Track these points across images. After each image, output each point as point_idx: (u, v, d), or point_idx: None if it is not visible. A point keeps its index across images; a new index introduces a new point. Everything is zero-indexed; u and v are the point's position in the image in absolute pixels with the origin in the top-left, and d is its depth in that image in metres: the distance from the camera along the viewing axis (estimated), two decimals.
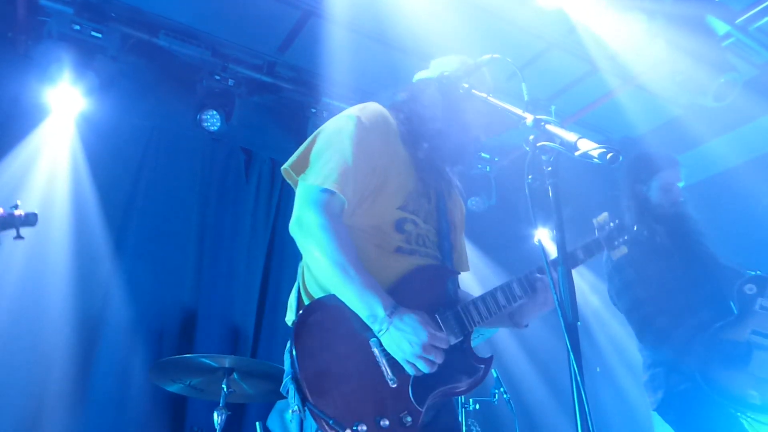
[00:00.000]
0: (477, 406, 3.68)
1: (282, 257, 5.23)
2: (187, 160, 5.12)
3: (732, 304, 2.95)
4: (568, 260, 1.52)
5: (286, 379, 1.79)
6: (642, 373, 3.08)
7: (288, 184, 2.02)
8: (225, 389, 3.44)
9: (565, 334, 1.43)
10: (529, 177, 1.62)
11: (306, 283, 1.88)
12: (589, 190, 5.66)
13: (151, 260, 4.66)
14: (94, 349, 4.27)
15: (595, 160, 1.49)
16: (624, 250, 2.21)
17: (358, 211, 1.90)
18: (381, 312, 1.71)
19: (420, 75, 2.26)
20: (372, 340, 1.74)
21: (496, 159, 6.26)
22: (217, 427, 3.47)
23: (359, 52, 4.77)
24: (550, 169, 1.61)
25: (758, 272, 2.94)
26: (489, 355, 1.89)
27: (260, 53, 5.13)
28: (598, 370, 5.82)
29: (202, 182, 5.12)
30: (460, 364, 1.82)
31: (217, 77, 4.92)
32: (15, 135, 4.36)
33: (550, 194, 1.61)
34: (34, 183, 4.37)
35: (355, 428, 1.62)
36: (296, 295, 1.90)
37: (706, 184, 5.23)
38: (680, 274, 2.99)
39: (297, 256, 1.92)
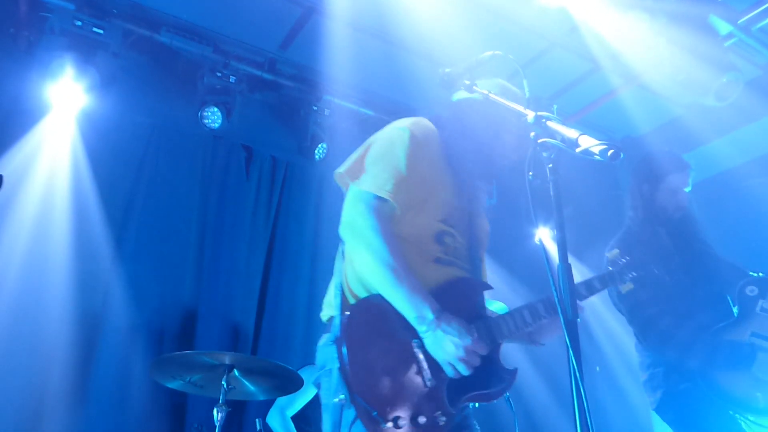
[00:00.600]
0: (476, 405, 3.66)
1: (282, 254, 5.23)
2: (188, 157, 5.12)
3: (732, 305, 2.94)
4: (567, 258, 1.51)
5: (323, 372, 1.91)
6: (640, 372, 3.07)
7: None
8: (225, 386, 3.44)
9: (565, 331, 1.43)
10: (530, 174, 1.62)
11: (349, 282, 1.96)
12: (590, 189, 5.66)
13: (151, 258, 4.66)
14: (94, 347, 4.27)
15: (597, 156, 1.49)
16: (630, 285, 2.32)
17: (402, 220, 1.99)
18: (429, 315, 1.81)
19: (460, 95, 2.29)
20: (414, 341, 1.84)
21: None
22: (217, 424, 3.46)
23: (361, 50, 4.76)
24: (551, 166, 1.60)
25: (760, 274, 2.93)
26: (514, 368, 2.00)
27: (262, 50, 5.13)
28: (597, 369, 5.82)
29: (203, 179, 5.12)
30: (489, 373, 1.92)
31: (219, 74, 4.92)
32: (16, 131, 4.35)
33: (551, 192, 1.61)
34: (35, 180, 4.37)
35: (395, 422, 1.72)
36: (339, 293, 1.96)
37: (708, 184, 5.22)
38: (681, 275, 2.98)
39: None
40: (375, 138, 2.09)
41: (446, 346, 1.80)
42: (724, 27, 4.55)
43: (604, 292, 3.23)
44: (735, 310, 2.92)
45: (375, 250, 1.85)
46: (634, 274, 2.30)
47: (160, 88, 5.01)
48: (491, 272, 5.93)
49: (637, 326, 2.95)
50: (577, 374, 1.40)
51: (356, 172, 2.00)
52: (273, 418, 4.19)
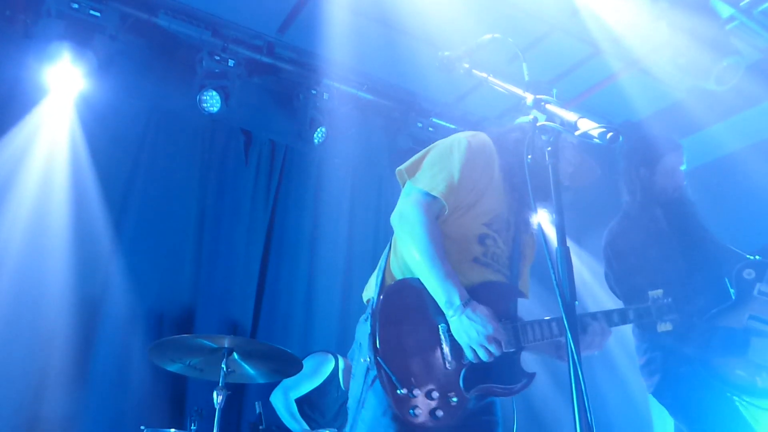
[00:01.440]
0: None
1: (281, 239, 5.23)
2: (187, 141, 5.11)
3: (730, 289, 2.95)
4: (565, 241, 1.51)
5: (356, 345, 2.11)
6: (637, 356, 3.08)
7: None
8: (224, 369, 3.46)
9: (563, 314, 1.43)
10: (529, 157, 1.62)
11: (391, 268, 2.16)
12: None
13: (150, 242, 4.66)
14: (94, 330, 4.29)
15: (595, 139, 1.49)
16: (669, 326, 2.35)
17: (449, 219, 2.15)
18: (457, 300, 1.96)
19: (523, 119, 2.39)
20: (441, 324, 2.01)
21: None
22: (217, 407, 3.49)
23: (360, 34, 4.73)
24: (550, 149, 1.60)
25: (757, 257, 2.93)
26: (533, 372, 2.14)
27: (260, 34, 5.09)
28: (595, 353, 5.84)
29: (202, 163, 5.11)
30: (508, 370, 2.07)
31: (217, 58, 4.88)
32: (13, 114, 4.34)
33: (550, 175, 1.61)
34: (33, 163, 4.36)
35: (410, 390, 1.89)
36: (381, 276, 2.15)
37: (709, 168, 5.22)
38: (679, 260, 2.98)
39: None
40: (437, 143, 2.27)
41: (469, 331, 1.94)
42: (725, 10, 4.52)
43: (601, 276, 3.25)
44: (732, 293, 2.92)
45: (418, 238, 2.03)
46: (675, 316, 2.38)
47: (159, 71, 4.98)
48: None
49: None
50: (576, 357, 1.41)
51: (414, 170, 2.19)
52: (276, 398, 4.22)
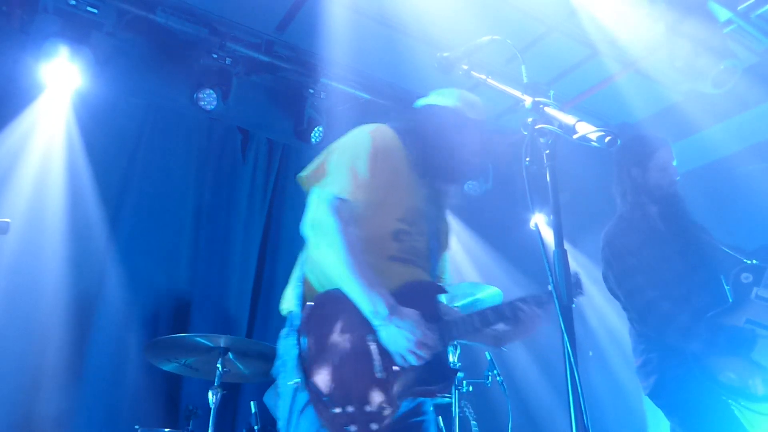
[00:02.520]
0: (470, 388, 3.71)
1: (278, 238, 5.23)
2: (184, 139, 5.09)
3: (728, 291, 2.95)
4: (563, 243, 1.52)
5: (279, 362, 2.02)
6: (634, 358, 3.09)
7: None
8: (220, 368, 3.46)
9: (560, 316, 1.44)
10: (527, 159, 1.63)
11: (309, 278, 2.08)
12: (586, 175, 5.66)
13: (146, 239, 4.65)
14: (89, 328, 4.28)
15: (594, 143, 1.49)
16: (581, 299, 2.33)
17: (362, 218, 2.09)
18: (384, 309, 1.92)
19: (423, 101, 2.41)
20: (369, 335, 1.95)
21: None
22: (212, 406, 3.49)
23: (359, 33, 4.73)
24: (548, 152, 1.60)
25: (755, 261, 2.94)
26: (457, 367, 2.16)
27: (258, 32, 5.08)
28: (590, 354, 5.87)
29: (199, 161, 5.10)
30: (435, 371, 2.04)
31: (215, 55, 4.86)
32: (9, 111, 4.32)
33: (548, 177, 1.61)
34: (29, 160, 4.34)
35: (344, 408, 1.83)
36: (300, 288, 2.08)
37: (705, 170, 5.23)
38: (676, 260, 2.99)
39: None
40: (338, 143, 2.21)
41: (399, 339, 1.92)
42: (723, 13, 4.53)
43: (598, 278, 3.26)
44: (730, 296, 2.93)
45: (335, 247, 1.96)
46: (580, 291, 2.37)
47: (156, 68, 4.97)
48: (487, 256, 5.98)
49: (635, 310, 2.96)
50: (572, 359, 1.41)
51: (319, 175, 2.13)
52: (269, 398, 4.21)
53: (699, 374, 2.75)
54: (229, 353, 3.50)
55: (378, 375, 1.92)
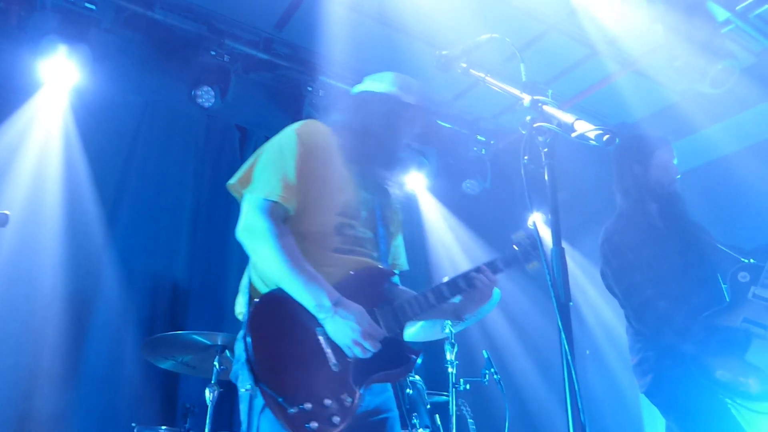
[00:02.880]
0: (467, 387, 3.71)
1: None
2: (181, 136, 5.08)
3: (725, 291, 2.96)
4: (560, 242, 1.52)
5: (237, 365, 2.01)
6: (630, 356, 3.09)
7: None
8: (217, 366, 3.46)
9: (558, 315, 1.44)
10: (525, 158, 1.62)
11: (253, 281, 2.09)
12: (584, 175, 5.66)
13: (143, 237, 4.64)
14: (86, 325, 4.26)
15: (592, 141, 1.49)
16: (536, 264, 2.37)
17: (301, 218, 2.09)
18: (327, 302, 1.92)
19: (358, 88, 2.41)
20: (318, 328, 1.95)
21: (492, 142, 6.25)
22: (209, 404, 3.48)
23: (358, 31, 4.72)
24: (546, 150, 1.60)
25: (752, 260, 2.94)
26: (419, 347, 2.13)
27: (257, 29, 5.07)
28: (588, 353, 5.87)
29: (196, 159, 5.09)
30: (395, 353, 2.05)
31: (213, 53, 4.85)
32: (7, 108, 4.30)
33: (546, 176, 1.61)
34: (26, 157, 4.33)
35: (301, 407, 1.81)
36: (247, 293, 2.10)
37: (703, 170, 5.24)
38: (675, 259, 3.00)
39: None
40: (264, 147, 2.19)
41: (344, 330, 1.92)
42: (721, 13, 4.54)
43: (596, 277, 3.26)
44: (727, 295, 2.94)
45: (271, 249, 1.96)
46: (538, 254, 2.34)
47: (154, 65, 4.96)
48: (485, 255, 5.97)
49: (632, 308, 2.96)
50: (569, 357, 1.41)
51: (247, 180, 2.12)
52: None
53: (695, 373, 2.76)
54: (227, 351, 3.49)
55: (333, 367, 1.91)
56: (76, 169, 4.46)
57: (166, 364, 3.68)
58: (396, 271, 2.36)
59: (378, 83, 2.35)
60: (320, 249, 2.08)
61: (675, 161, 3.19)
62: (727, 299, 2.91)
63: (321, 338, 1.94)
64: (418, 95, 2.33)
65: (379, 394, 2.10)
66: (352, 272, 2.08)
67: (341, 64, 5.18)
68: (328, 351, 1.93)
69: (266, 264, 2.00)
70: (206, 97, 4.87)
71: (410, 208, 6.20)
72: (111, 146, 4.71)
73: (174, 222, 4.84)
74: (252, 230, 2.03)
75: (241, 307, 2.12)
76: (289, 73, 5.33)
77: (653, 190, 3.12)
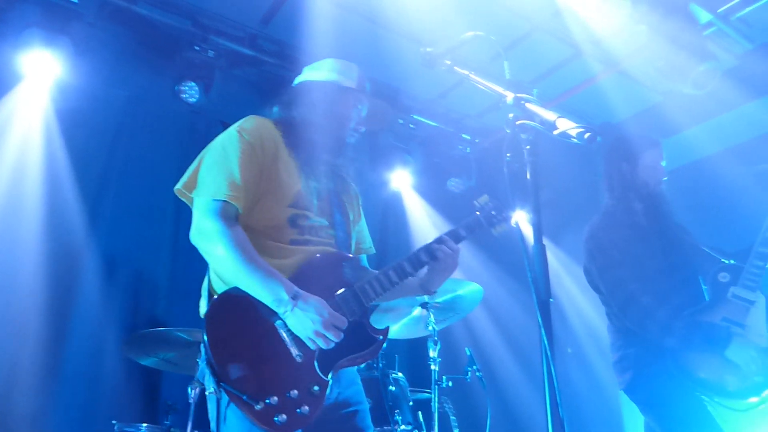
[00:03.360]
0: (450, 384, 3.73)
1: None
2: (165, 132, 5.04)
3: (705, 290, 3.00)
4: (542, 239, 1.53)
5: (202, 365, 1.98)
6: (611, 353, 3.13)
7: None
8: (200, 363, 3.43)
9: (537, 311, 1.45)
10: (508, 155, 1.63)
11: (212, 283, 2.08)
12: (568, 174, 5.70)
13: (126, 233, 4.61)
14: (66, 322, 4.22)
15: (574, 139, 1.50)
16: (505, 227, 2.43)
17: (252, 214, 2.10)
18: (285, 296, 1.93)
19: (298, 79, 2.45)
20: (278, 322, 1.95)
21: (477, 140, 6.28)
22: (192, 401, 3.47)
23: (343, 28, 4.70)
24: (529, 147, 1.61)
25: (732, 261, 2.99)
26: (385, 326, 2.13)
27: (242, 25, 5.04)
28: (569, 351, 5.92)
29: (181, 155, 5.05)
30: (360, 336, 2.06)
31: (197, 48, 4.81)
32: None
33: (528, 173, 1.62)
34: (6, 151, 4.27)
35: (267, 401, 1.81)
36: (206, 295, 2.09)
37: (684, 171, 5.29)
38: (658, 258, 3.04)
39: None
40: (207, 149, 2.19)
41: (305, 322, 1.92)
42: (704, 15, 4.58)
43: (578, 275, 3.29)
44: (707, 295, 2.98)
45: (225, 248, 1.95)
46: (507, 216, 2.44)
47: (137, 60, 4.91)
48: (468, 252, 6.00)
49: (616, 303, 2.98)
50: (549, 353, 1.42)
51: (193, 184, 2.11)
52: None
53: (674, 370, 2.79)
54: None
55: (298, 358, 1.92)
56: (58, 163, 4.41)
57: (148, 361, 3.66)
58: (361, 256, 2.39)
59: (316, 72, 2.39)
60: (275, 242, 2.08)
61: (663, 163, 3.22)
62: (707, 299, 2.95)
63: (281, 331, 1.94)
64: (357, 78, 2.38)
65: (349, 387, 2.12)
66: (306, 261, 2.09)
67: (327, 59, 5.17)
68: (290, 343, 1.94)
69: (221, 264, 1.99)
70: (191, 92, 4.83)
71: (395, 205, 6.22)
72: (93, 141, 4.66)
73: (157, 218, 4.81)
74: (203, 232, 2.02)
75: (203, 309, 2.11)
76: (275, 70, 5.30)
77: (639, 189, 3.16)
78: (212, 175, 2.08)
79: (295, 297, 1.93)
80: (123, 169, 4.72)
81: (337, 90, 2.33)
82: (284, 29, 5.01)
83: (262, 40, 5.16)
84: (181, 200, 2.21)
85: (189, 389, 3.41)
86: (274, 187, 2.13)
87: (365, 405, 2.19)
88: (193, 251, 5.05)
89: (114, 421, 3.58)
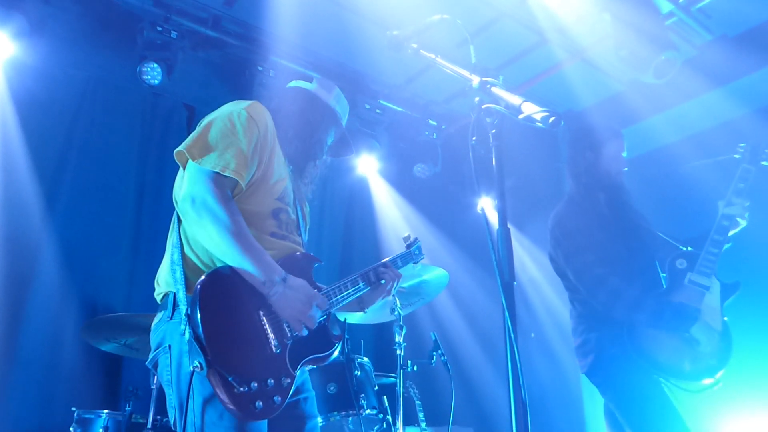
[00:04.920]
0: (415, 368, 3.76)
1: None
2: (126, 114, 4.93)
3: (662, 277, 3.08)
4: (506, 223, 1.54)
5: (171, 343, 1.96)
6: (573, 338, 3.18)
7: None
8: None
9: (501, 293, 1.46)
10: (473, 138, 1.64)
11: (190, 257, 2.04)
12: (532, 161, 5.76)
13: (85, 216, 4.50)
14: (23, 308, 4.12)
15: (538, 123, 1.51)
16: (419, 265, 2.76)
17: (242, 197, 2.10)
18: (277, 276, 1.97)
19: (293, 83, 2.52)
20: (260, 310, 1.97)
21: (443, 126, 6.29)
22: (153, 387, 3.42)
23: (308, 11, 4.66)
24: (494, 131, 1.61)
25: (689, 248, 3.07)
26: (340, 332, 2.24)
27: (205, 6, 4.93)
28: (533, 336, 6.02)
29: (142, 138, 4.95)
30: (322, 338, 2.14)
31: (159, 29, 4.69)
32: None
33: (494, 157, 1.62)
34: None
35: (250, 386, 1.83)
36: (180, 271, 2.00)
37: (645, 159, 5.39)
38: (619, 243, 3.09)
39: None
40: (214, 117, 2.15)
41: (294, 303, 1.98)
42: (665, 5, 4.66)
43: (543, 261, 3.33)
44: (664, 281, 3.05)
45: (222, 222, 1.94)
46: (421, 257, 2.76)
47: (95, 39, 4.77)
48: (434, 239, 6.04)
49: (585, 286, 3.03)
50: (512, 334, 1.44)
51: (197, 150, 2.05)
52: None
53: (632, 353, 2.86)
54: None
55: (275, 349, 1.95)
56: (13, 146, 4.27)
57: (108, 347, 3.59)
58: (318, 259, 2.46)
59: (307, 83, 2.48)
60: (257, 232, 2.09)
61: (624, 154, 3.28)
62: (665, 285, 3.03)
63: (264, 320, 1.96)
64: (336, 98, 2.48)
65: (299, 377, 2.15)
66: (288, 256, 2.14)
67: (292, 43, 5.11)
68: (271, 333, 1.96)
69: (212, 237, 1.94)
70: (152, 74, 4.72)
71: (361, 190, 6.21)
72: (50, 123, 4.53)
73: (117, 202, 4.71)
74: (201, 203, 1.95)
75: (167, 286, 2.05)
76: (238, 52, 5.22)
77: (601, 179, 3.21)
78: (220, 147, 2.03)
79: (285, 279, 1.98)
80: (82, 152, 4.60)
81: (318, 101, 2.42)
82: (248, 11, 4.93)
83: (225, 21, 5.06)
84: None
85: (151, 375, 3.37)
86: (267, 176, 2.15)
87: (312, 393, 2.26)
88: (155, 235, 4.98)
89: (74, 408, 3.52)
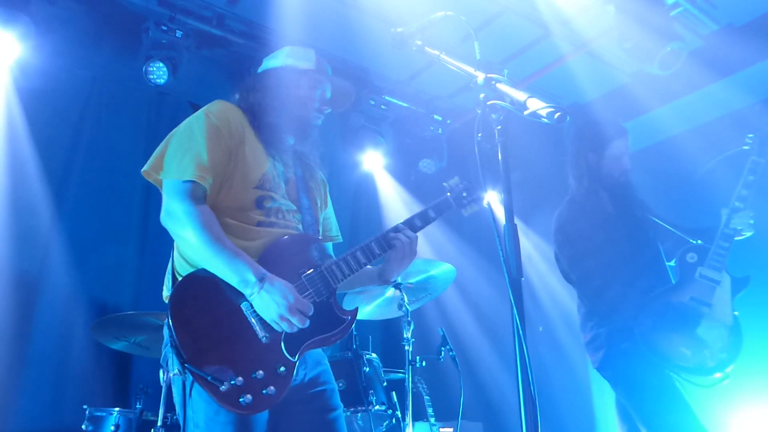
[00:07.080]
0: (423, 364, 3.76)
1: None
2: (132, 114, 4.95)
3: (670, 272, 3.07)
4: (513, 218, 1.54)
5: (165, 350, 1.97)
6: (582, 333, 3.18)
7: None
8: (163, 349, 3.41)
9: (509, 289, 1.46)
10: (479, 135, 1.64)
11: (176, 266, 2.08)
12: (538, 155, 5.75)
13: (93, 215, 4.53)
14: (33, 308, 4.16)
15: (544, 119, 1.51)
16: (475, 207, 2.47)
17: (219, 195, 2.10)
18: (251, 277, 1.92)
19: (261, 69, 2.46)
20: (243, 303, 1.95)
21: (448, 122, 6.28)
22: (163, 385, 3.44)
23: (313, 8, 4.65)
24: (499, 128, 1.62)
25: (699, 241, 3.06)
26: (354, 307, 2.16)
27: (210, 4, 4.94)
28: (540, 329, 6.02)
29: (148, 136, 4.96)
30: (328, 317, 2.08)
31: (164, 28, 4.71)
32: None
33: (499, 153, 1.63)
34: None
35: (232, 382, 1.82)
36: (170, 277, 2.09)
37: (650, 150, 5.37)
38: (624, 243, 3.08)
39: None
40: (174, 131, 2.19)
41: (270, 305, 1.92)
42: None
43: (549, 255, 3.34)
44: (672, 276, 3.05)
45: (193, 229, 1.95)
46: (478, 196, 2.50)
47: (101, 39, 4.79)
48: (440, 233, 6.03)
49: (587, 297, 3.06)
50: (520, 331, 1.44)
51: (160, 166, 2.10)
52: None
53: (643, 348, 2.86)
54: None
55: (264, 339, 1.92)
56: (21, 146, 4.30)
57: (118, 345, 3.61)
58: (327, 244, 2.41)
59: (273, 60, 2.42)
60: (243, 224, 2.09)
61: (628, 154, 3.25)
62: (673, 279, 3.02)
63: (247, 312, 1.94)
64: (316, 61, 2.40)
65: (315, 367, 2.13)
66: (273, 243, 2.09)
67: (296, 41, 5.07)
68: (256, 324, 1.94)
69: (189, 246, 1.99)
70: (158, 73, 4.74)
71: (367, 186, 6.21)
72: (57, 123, 4.55)
73: (125, 200, 4.73)
74: (171, 214, 2.01)
75: (167, 290, 2.10)
76: (243, 50, 5.22)
77: (604, 180, 3.19)
78: (179, 157, 2.07)
79: (261, 279, 1.93)
80: (89, 151, 4.63)
81: (295, 73, 2.35)
82: (252, 9, 4.93)
83: (230, 20, 5.07)
84: (150, 183, 2.18)
85: (160, 373, 3.39)
86: (239, 168, 2.14)
87: (334, 385, 2.20)
88: (163, 234, 5.01)
89: (85, 406, 3.55)
